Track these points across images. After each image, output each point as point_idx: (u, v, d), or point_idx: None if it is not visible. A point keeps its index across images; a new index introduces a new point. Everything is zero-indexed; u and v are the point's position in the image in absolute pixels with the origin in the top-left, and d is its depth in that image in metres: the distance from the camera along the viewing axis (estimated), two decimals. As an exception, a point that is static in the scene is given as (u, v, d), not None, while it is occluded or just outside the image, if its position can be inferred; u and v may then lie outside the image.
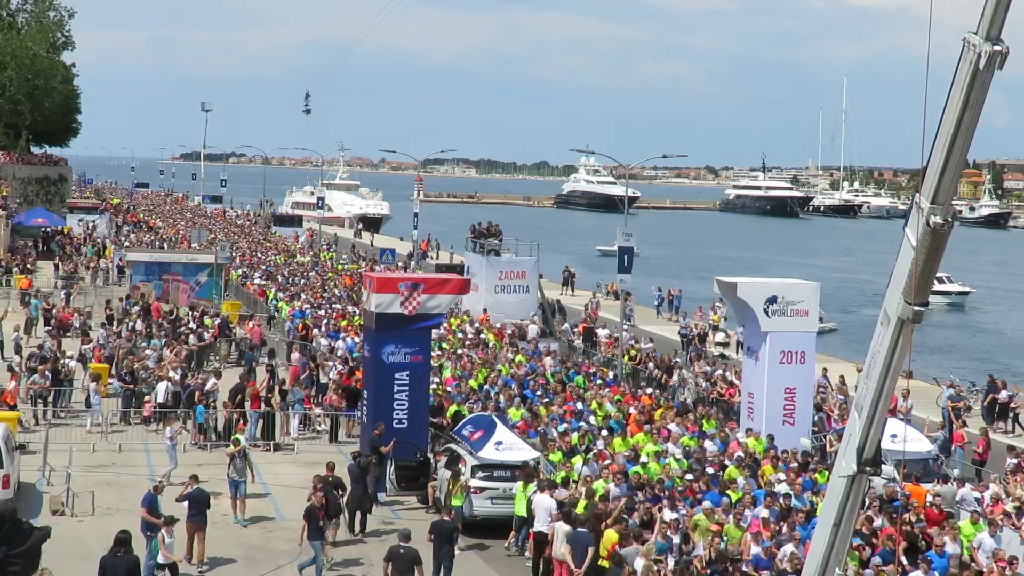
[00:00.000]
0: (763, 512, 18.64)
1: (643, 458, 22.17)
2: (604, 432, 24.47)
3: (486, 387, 29.39)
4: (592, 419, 26.03)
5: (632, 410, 27.04)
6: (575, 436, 24.17)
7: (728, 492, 19.93)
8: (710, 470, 21.25)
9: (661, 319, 50.45)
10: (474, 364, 32.59)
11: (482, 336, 38.33)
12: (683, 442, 23.81)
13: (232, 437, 23.44)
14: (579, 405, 27.35)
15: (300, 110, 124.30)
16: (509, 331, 40.80)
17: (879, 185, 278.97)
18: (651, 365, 35.08)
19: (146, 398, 28.94)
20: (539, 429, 24.58)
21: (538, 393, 28.91)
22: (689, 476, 20.82)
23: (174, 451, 23.83)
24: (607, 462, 21.62)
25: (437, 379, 29.53)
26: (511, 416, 25.93)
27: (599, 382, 30.75)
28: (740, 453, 23.03)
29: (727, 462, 22.24)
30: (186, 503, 19.25)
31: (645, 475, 20.86)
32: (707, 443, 23.96)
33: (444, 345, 35.79)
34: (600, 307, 50.08)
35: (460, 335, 38.29)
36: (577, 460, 22.05)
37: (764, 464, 22.32)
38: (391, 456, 22.90)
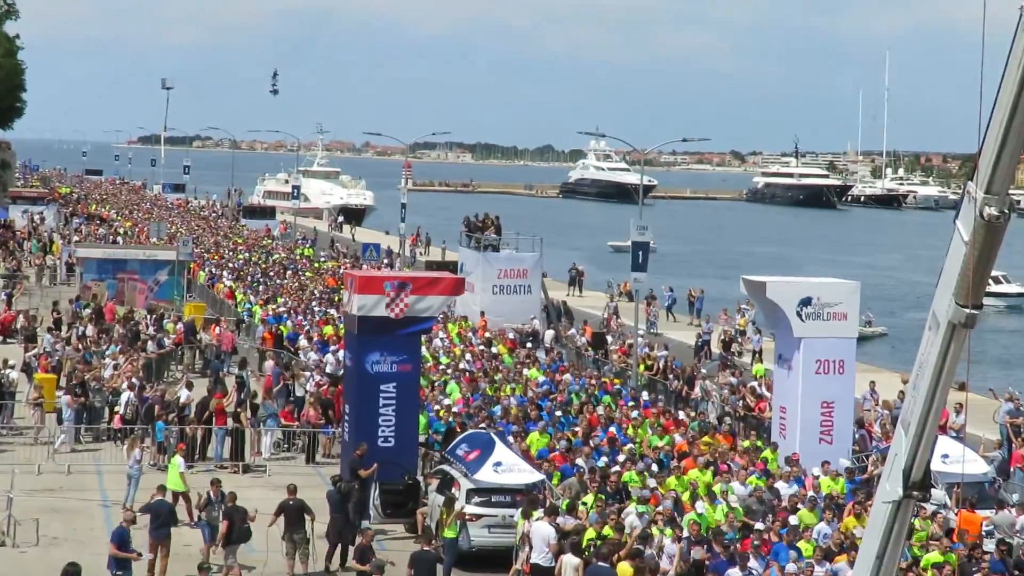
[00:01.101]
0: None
1: (700, 504, 20.60)
2: (654, 467, 23.37)
3: (496, 410, 28.22)
4: (630, 448, 24.82)
5: (678, 438, 26.03)
6: (630, 474, 22.65)
7: (800, 544, 18.71)
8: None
9: (678, 322, 50.36)
10: (476, 378, 31.63)
11: (493, 348, 37.06)
12: (750, 482, 22.30)
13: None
14: (612, 431, 26.15)
15: (268, 89, 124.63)
16: (510, 336, 40.72)
17: (926, 172, 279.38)
18: (670, 376, 35.07)
19: (116, 409, 29.00)
20: (577, 463, 23.31)
21: (557, 414, 27.90)
22: (760, 525, 19.64)
23: (140, 476, 23.78)
24: (658, 507, 20.53)
25: (447, 400, 29.00)
26: (531, 443, 25.13)
27: (631, 403, 29.57)
28: (812, 493, 21.68)
29: (800, 505, 20.87)
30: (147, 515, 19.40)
31: (695, 522, 19.44)
32: (780, 484, 22.43)
33: (444, 359, 35.02)
34: (619, 313, 47.82)
35: (462, 346, 37.32)
36: (633, 507, 20.43)
37: (848, 515, 20.36)
38: (375, 479, 22.89)
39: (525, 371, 33.66)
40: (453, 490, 21.77)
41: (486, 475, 21.75)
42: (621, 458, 23.73)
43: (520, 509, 20.36)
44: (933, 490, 17.06)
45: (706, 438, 25.96)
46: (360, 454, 23.04)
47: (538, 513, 19.79)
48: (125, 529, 18.85)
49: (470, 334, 39.80)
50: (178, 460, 23.41)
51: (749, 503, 21.24)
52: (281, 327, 38.69)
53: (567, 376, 33.07)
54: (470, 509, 21.27)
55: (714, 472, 22.88)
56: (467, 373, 32.26)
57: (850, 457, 25.86)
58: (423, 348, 33.80)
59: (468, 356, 35.35)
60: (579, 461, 23.46)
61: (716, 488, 21.76)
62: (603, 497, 20.85)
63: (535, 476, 22.06)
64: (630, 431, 26.64)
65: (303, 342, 36.86)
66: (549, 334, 41.69)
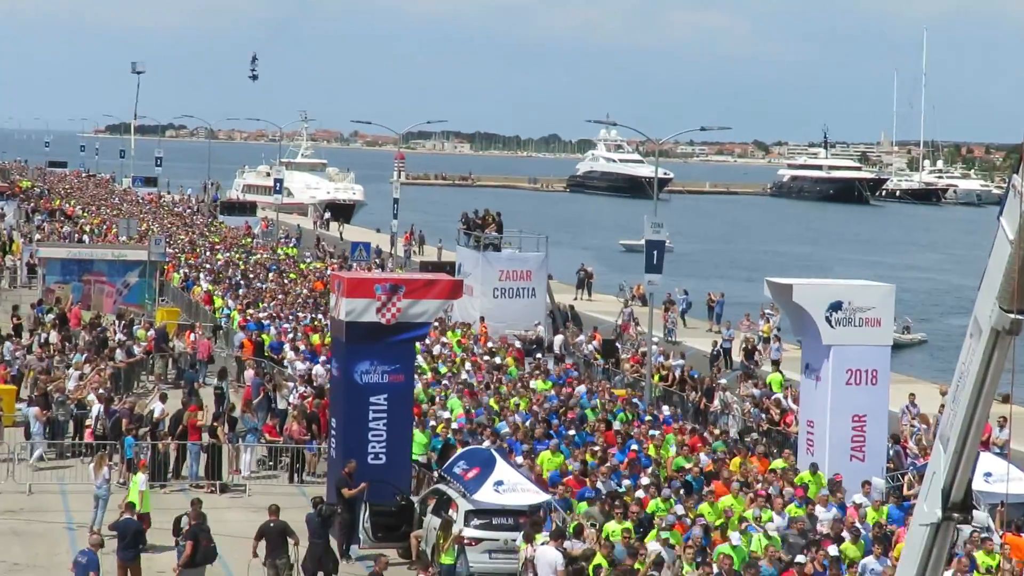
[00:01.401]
0: None
1: (735, 535, 20.07)
2: (682, 492, 23.02)
3: (500, 427, 27.90)
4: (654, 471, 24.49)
5: (704, 458, 25.66)
6: (656, 502, 22.15)
7: None
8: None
9: (695, 329, 50.40)
10: (478, 391, 31.38)
11: (497, 359, 36.74)
12: (790, 511, 21.87)
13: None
14: (634, 449, 25.89)
15: (247, 75, 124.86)
16: (517, 344, 40.51)
17: (968, 164, 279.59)
18: (687, 387, 35.09)
19: (86, 422, 29.05)
20: (599, 485, 23.09)
21: (570, 432, 27.58)
22: (801, 558, 19.24)
23: (108, 497, 23.78)
24: (686, 537, 20.14)
25: (446, 414, 28.85)
26: (543, 464, 24.93)
27: (648, 418, 29.41)
28: (856, 523, 21.29)
29: (845, 534, 20.55)
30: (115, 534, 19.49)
31: (726, 556, 18.97)
32: (819, 510, 22.07)
33: (443, 368, 34.72)
34: (635, 319, 47.25)
35: (462, 355, 37.03)
36: (656, 538, 19.96)
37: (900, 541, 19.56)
38: (365, 500, 22.90)
39: (532, 383, 33.45)
40: (450, 512, 21.78)
41: (486, 495, 21.73)
42: (645, 481, 23.38)
43: (522, 532, 20.35)
44: (975, 511, 17.07)
45: (737, 459, 25.66)
46: (348, 472, 23.05)
47: (543, 536, 19.77)
48: (93, 554, 18.85)
49: (471, 343, 39.72)
50: (140, 478, 23.37)
51: (787, 535, 20.80)
52: (263, 335, 38.64)
53: (580, 388, 32.89)
54: (469, 533, 21.28)
55: (750, 498, 22.46)
56: (468, 386, 32.12)
57: (884, 475, 25.87)
58: (420, 358, 33.91)
59: (468, 366, 35.26)
60: (598, 485, 23.20)
61: (748, 514, 21.40)
62: (630, 527, 20.46)
63: (540, 496, 22.05)
64: (651, 451, 26.45)
65: (289, 352, 36.72)
66: (558, 340, 41.68)
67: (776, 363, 39.94)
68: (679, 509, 21.68)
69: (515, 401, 30.69)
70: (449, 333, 40.69)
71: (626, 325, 46.58)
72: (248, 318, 41.40)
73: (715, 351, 41.18)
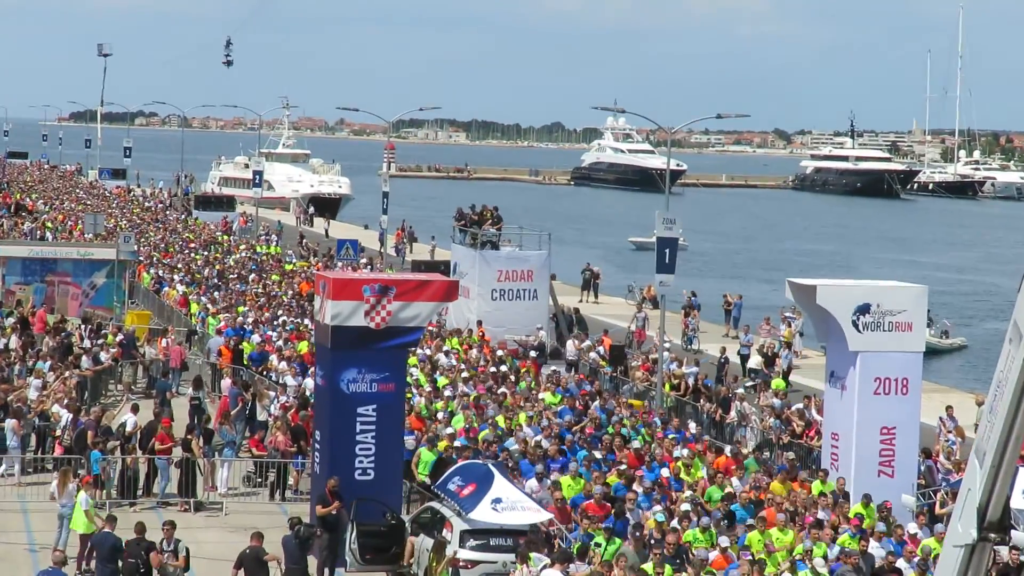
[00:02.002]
0: None
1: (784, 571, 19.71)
2: (724, 522, 22.57)
3: (510, 443, 27.49)
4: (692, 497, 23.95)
5: (737, 483, 24.90)
6: (693, 531, 21.66)
7: None
8: None
9: (708, 334, 50.47)
10: (480, 406, 30.76)
11: (503, 368, 35.92)
12: (841, 542, 21.53)
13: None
14: (663, 472, 25.41)
15: (221, 60, 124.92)
16: (532, 354, 39.82)
17: (1007, 155, 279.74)
18: (703, 398, 35.14)
19: (55, 433, 29.06)
20: (627, 514, 22.63)
21: (594, 453, 26.74)
22: None
23: (72, 516, 23.78)
24: (725, 574, 19.79)
25: (450, 430, 28.22)
26: (564, 489, 23.98)
27: (671, 435, 28.58)
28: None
29: (908, 566, 20.33)
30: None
31: None
32: (872, 545, 21.55)
33: (442, 379, 33.98)
34: (649, 324, 46.72)
35: (463, 365, 36.05)
36: None
37: None
38: (352, 519, 22.93)
39: (541, 395, 32.82)
40: (444, 532, 21.81)
41: (483, 514, 21.74)
42: (684, 507, 22.89)
43: (517, 552, 20.31)
44: (1013, 531, 17.11)
45: (777, 483, 24.94)
46: (331, 489, 22.99)
47: (539, 557, 19.75)
48: (60, 572, 18.97)
49: (474, 351, 38.68)
50: (81, 496, 23.24)
51: (842, 572, 20.41)
52: (245, 342, 37.91)
53: (596, 402, 32.10)
54: (464, 555, 21.31)
55: (799, 527, 22.09)
56: (472, 399, 31.40)
57: (915, 492, 25.91)
58: (417, 372, 33.76)
59: (464, 374, 34.73)
60: (627, 515, 22.61)
61: (799, 548, 20.88)
62: (671, 570, 19.80)
63: (541, 515, 22.08)
64: (682, 473, 25.70)
65: (279, 363, 35.66)
66: (571, 346, 41.61)
67: (786, 373, 39.99)
68: (724, 541, 21.03)
69: (526, 415, 29.89)
70: (452, 340, 39.90)
71: (640, 331, 46.38)
72: (227, 323, 40.78)
73: (722, 358, 41.01)
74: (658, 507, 22.97)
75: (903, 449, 26.30)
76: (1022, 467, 19.67)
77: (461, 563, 21.19)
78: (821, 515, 22.77)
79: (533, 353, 40.37)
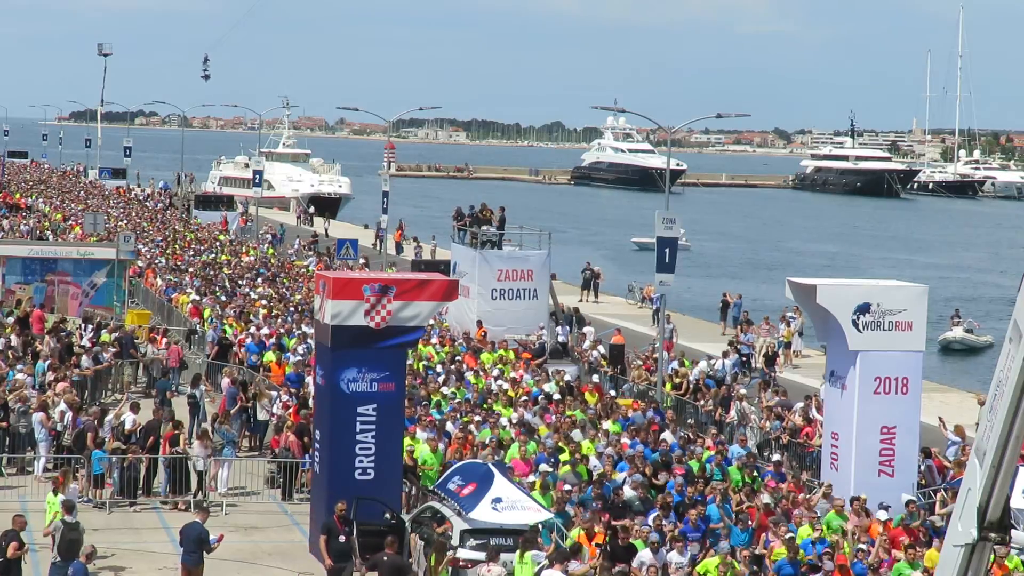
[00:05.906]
0: None
1: None
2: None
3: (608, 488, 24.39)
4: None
5: (767, 499, 23.71)
6: (714, 561, 20.80)
7: None
8: None
9: (707, 332, 50.45)
10: (535, 429, 28.38)
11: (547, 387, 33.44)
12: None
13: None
14: None
15: (213, 63, 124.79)
16: (594, 379, 38.21)
17: (1007, 154, 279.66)
18: (702, 396, 35.09)
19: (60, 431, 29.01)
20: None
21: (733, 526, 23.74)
22: None
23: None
24: None
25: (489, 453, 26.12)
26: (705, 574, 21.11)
27: (770, 474, 26.52)
28: None
29: None
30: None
31: None
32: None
33: (460, 393, 32.44)
34: (677, 334, 44.47)
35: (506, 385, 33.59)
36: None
37: None
38: (352, 519, 22.89)
39: (604, 424, 29.69)
40: (445, 530, 21.78)
41: (483, 514, 21.75)
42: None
43: (518, 550, 20.32)
44: (1013, 531, 17.08)
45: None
46: (339, 516, 22.52)
47: (535, 553, 19.70)
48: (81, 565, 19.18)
49: (508, 366, 36.45)
50: (56, 498, 22.90)
51: None
52: (286, 365, 34.93)
53: (666, 435, 28.70)
54: (464, 554, 21.29)
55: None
56: (525, 426, 28.58)
57: (914, 492, 25.89)
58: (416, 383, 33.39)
59: (499, 387, 32.50)
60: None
61: None
62: None
63: (542, 514, 22.07)
64: (820, 531, 22.22)
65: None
66: (589, 332, 41.15)
67: (772, 360, 40.15)
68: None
69: (589, 443, 27.25)
70: (485, 355, 38.05)
71: (669, 344, 40.33)
72: (249, 336, 38.69)
73: (711, 362, 40.53)
74: None
75: (903, 449, 26.28)
76: (1022, 467, 19.68)
77: (461, 563, 21.16)
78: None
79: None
